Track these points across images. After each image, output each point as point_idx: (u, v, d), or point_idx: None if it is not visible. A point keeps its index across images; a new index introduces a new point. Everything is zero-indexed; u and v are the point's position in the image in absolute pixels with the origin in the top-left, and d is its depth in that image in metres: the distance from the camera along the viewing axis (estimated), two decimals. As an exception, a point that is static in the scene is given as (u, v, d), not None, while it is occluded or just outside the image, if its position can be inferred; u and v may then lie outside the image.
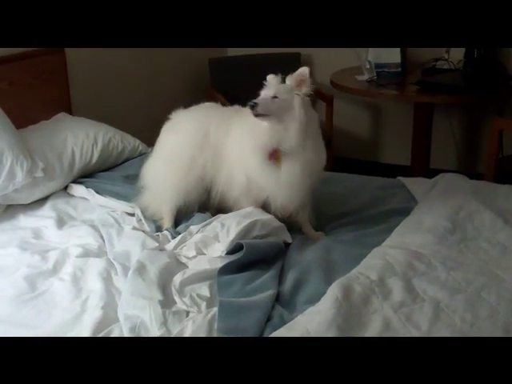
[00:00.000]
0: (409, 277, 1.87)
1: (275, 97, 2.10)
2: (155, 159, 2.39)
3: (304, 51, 4.21)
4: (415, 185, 2.54)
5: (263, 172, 2.14)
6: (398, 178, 2.67)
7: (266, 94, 2.13)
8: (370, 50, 3.71)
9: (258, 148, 2.12)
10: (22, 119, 2.75)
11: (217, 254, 2.03)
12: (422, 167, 3.71)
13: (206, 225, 2.17)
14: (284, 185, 2.14)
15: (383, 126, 4.28)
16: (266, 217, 2.14)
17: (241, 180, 2.20)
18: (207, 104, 2.45)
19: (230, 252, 2.02)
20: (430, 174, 2.85)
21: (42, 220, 2.39)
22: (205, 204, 2.34)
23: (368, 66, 3.69)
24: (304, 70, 2.14)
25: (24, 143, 2.50)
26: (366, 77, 3.64)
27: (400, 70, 3.67)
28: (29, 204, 2.50)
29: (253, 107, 2.04)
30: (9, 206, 2.47)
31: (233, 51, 4.45)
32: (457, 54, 3.67)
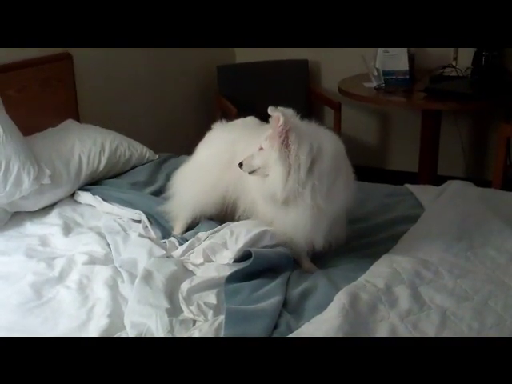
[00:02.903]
0: (416, 285, 1.86)
1: (261, 148, 1.97)
2: (186, 167, 2.38)
3: (312, 58, 4.22)
4: (422, 192, 2.53)
5: (272, 217, 2.07)
6: (406, 185, 2.66)
7: (256, 143, 2.02)
8: (378, 57, 3.71)
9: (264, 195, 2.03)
10: (30, 126, 2.76)
11: (225, 261, 2.01)
12: (430, 174, 3.70)
13: (215, 232, 2.16)
14: (293, 230, 2.04)
15: (391, 133, 4.28)
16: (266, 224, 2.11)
17: (264, 209, 2.09)
18: (247, 120, 2.38)
19: (238, 260, 2.01)
20: (438, 180, 2.84)
21: (49, 227, 2.39)
22: (219, 219, 2.31)
23: (376, 74, 3.69)
24: (275, 117, 1.92)
25: (31, 150, 2.51)
26: (373, 84, 3.63)
27: (408, 77, 3.67)
28: (36, 211, 2.50)
29: (240, 166, 2.01)
30: (16, 213, 2.47)
31: (241, 58, 4.47)
32: (464, 62, 3.67)
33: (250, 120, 2.35)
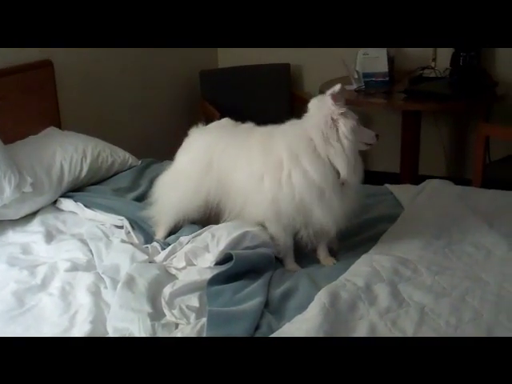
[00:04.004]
0: (395, 282, 1.89)
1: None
2: (168, 173, 2.39)
3: (293, 62, 4.25)
4: (402, 191, 2.57)
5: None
6: (386, 185, 2.69)
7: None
8: (358, 59, 3.75)
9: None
10: (11, 134, 2.76)
11: (206, 264, 2.03)
12: (411, 174, 3.73)
13: (197, 235, 2.18)
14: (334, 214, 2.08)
15: (372, 135, 4.30)
16: (257, 228, 2.13)
17: (265, 204, 2.08)
18: (222, 122, 2.40)
19: (220, 262, 2.02)
20: (420, 180, 2.85)
21: (31, 235, 2.39)
22: (203, 222, 2.32)
23: (356, 76, 3.72)
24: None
25: (12, 158, 2.51)
26: (354, 86, 3.67)
27: (388, 79, 3.71)
28: (18, 219, 2.50)
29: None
30: (-2, 222, 2.48)
31: (223, 63, 4.48)
32: (443, 63, 3.72)
33: (225, 122, 2.38)
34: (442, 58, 3.73)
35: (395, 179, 3.72)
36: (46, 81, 3.08)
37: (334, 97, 1.99)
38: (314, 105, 2.09)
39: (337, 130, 2.01)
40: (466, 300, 1.78)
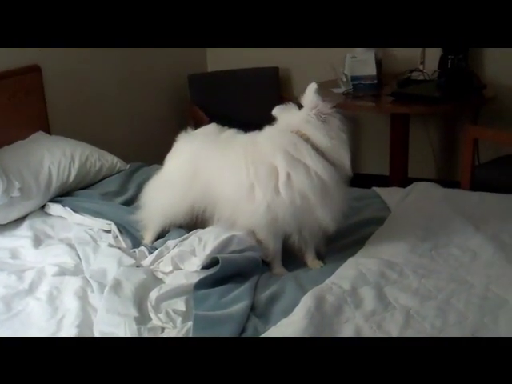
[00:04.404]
0: (381, 285, 1.90)
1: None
2: (156, 178, 2.40)
3: (282, 65, 4.26)
4: (389, 194, 2.58)
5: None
6: (373, 188, 2.70)
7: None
8: (346, 62, 3.76)
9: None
10: (0, 140, 2.76)
11: (193, 268, 2.04)
12: (400, 177, 3.75)
13: (184, 239, 2.18)
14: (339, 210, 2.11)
15: (361, 138, 4.32)
16: (243, 232, 2.12)
17: (259, 213, 2.06)
18: (208, 128, 2.39)
19: (207, 266, 2.03)
20: (409, 183, 2.85)
21: (19, 240, 2.39)
22: (190, 227, 2.32)
23: (344, 79, 3.74)
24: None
25: None
26: (342, 89, 3.68)
27: (376, 81, 3.72)
28: (6, 224, 2.50)
29: None
30: (-15, 227, 2.48)
31: (212, 67, 4.49)
32: (431, 65, 3.74)
33: (211, 128, 2.37)
34: (431, 60, 3.75)
35: (384, 182, 3.74)
36: (34, 86, 3.08)
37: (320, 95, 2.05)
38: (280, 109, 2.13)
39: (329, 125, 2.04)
40: (451, 303, 1.79)
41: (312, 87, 2.07)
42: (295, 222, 2.07)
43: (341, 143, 2.06)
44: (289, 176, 2.03)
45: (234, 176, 2.11)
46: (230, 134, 2.29)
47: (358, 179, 4.12)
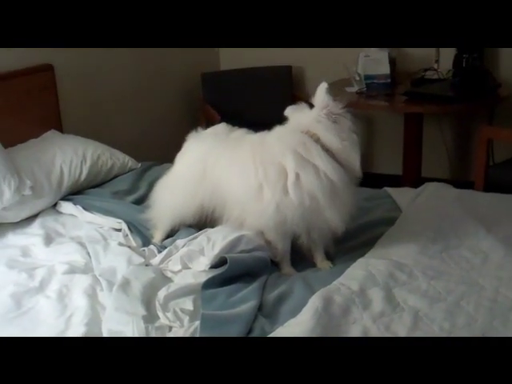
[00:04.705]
0: (390, 287, 1.88)
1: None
2: (166, 177, 2.40)
3: (295, 64, 4.25)
4: (400, 195, 2.56)
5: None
6: (385, 188, 2.68)
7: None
8: (360, 61, 3.74)
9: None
10: (12, 137, 2.78)
11: (201, 267, 2.04)
12: (414, 176, 3.73)
13: (193, 239, 2.18)
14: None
15: (375, 137, 4.30)
16: (252, 232, 2.12)
17: (268, 214, 2.05)
18: (217, 128, 2.39)
19: (215, 266, 2.03)
20: (422, 183, 2.83)
21: (30, 238, 2.40)
22: (199, 227, 2.32)
23: (357, 78, 3.72)
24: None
25: (12, 162, 2.52)
26: (355, 88, 3.66)
27: (389, 80, 3.70)
28: (18, 222, 2.52)
29: None
30: (-2, 225, 2.49)
31: (225, 65, 4.49)
32: (446, 64, 3.70)
33: (221, 127, 2.36)
34: (445, 59, 3.72)
35: (397, 181, 3.72)
36: (47, 84, 3.10)
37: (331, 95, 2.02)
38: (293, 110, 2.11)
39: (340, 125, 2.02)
40: (460, 305, 1.77)
41: (323, 87, 2.05)
42: (304, 222, 2.06)
43: (351, 145, 2.03)
44: (298, 176, 2.01)
45: (243, 176, 2.10)
46: (240, 133, 2.29)
47: (371, 179, 4.11)
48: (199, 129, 2.42)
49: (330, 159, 2.02)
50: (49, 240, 2.39)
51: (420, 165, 3.81)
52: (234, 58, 4.32)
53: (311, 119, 2.06)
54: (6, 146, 2.65)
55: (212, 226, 2.23)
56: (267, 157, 2.07)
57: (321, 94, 2.05)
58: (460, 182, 3.75)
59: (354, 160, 2.03)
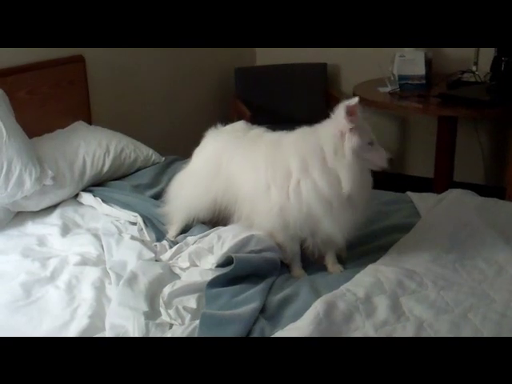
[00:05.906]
0: (397, 295, 1.84)
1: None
2: (182, 174, 2.41)
3: (330, 62, 4.19)
4: (422, 200, 2.49)
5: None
6: (407, 192, 2.62)
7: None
8: (395, 61, 3.67)
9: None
10: (41, 128, 2.83)
11: (208, 266, 2.03)
12: (445, 180, 3.64)
13: (204, 236, 2.18)
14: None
15: (408, 138, 4.22)
16: (263, 233, 2.10)
17: (272, 214, 2.05)
18: (236, 125, 2.39)
19: (222, 265, 2.01)
20: (454, 187, 2.75)
21: (48, 227, 2.44)
22: (213, 223, 2.32)
23: (392, 78, 3.65)
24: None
25: (36, 151, 2.56)
26: (388, 89, 3.60)
27: (424, 82, 3.62)
28: (38, 211, 2.55)
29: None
30: (18, 213, 2.53)
31: (261, 61, 4.47)
32: (485, 67, 3.60)
33: (239, 125, 2.35)
34: (484, 62, 3.61)
35: (429, 185, 3.64)
36: (78, 76, 3.13)
37: (349, 108, 1.91)
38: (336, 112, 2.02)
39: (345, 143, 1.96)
40: (467, 317, 1.72)
41: (343, 105, 1.94)
42: (306, 227, 2.03)
43: (344, 166, 1.94)
44: (299, 183, 1.99)
45: (254, 174, 2.09)
46: (258, 131, 2.27)
47: (402, 180, 4.05)
48: (218, 125, 2.41)
49: (331, 176, 1.96)
50: (66, 230, 2.41)
51: (452, 169, 3.73)
52: (270, 54, 4.29)
53: (325, 133, 1.99)
54: (33, 136, 2.70)
55: (224, 224, 2.22)
56: (278, 158, 2.04)
57: (340, 110, 1.95)
58: (494, 187, 3.66)
59: (344, 181, 1.95)
